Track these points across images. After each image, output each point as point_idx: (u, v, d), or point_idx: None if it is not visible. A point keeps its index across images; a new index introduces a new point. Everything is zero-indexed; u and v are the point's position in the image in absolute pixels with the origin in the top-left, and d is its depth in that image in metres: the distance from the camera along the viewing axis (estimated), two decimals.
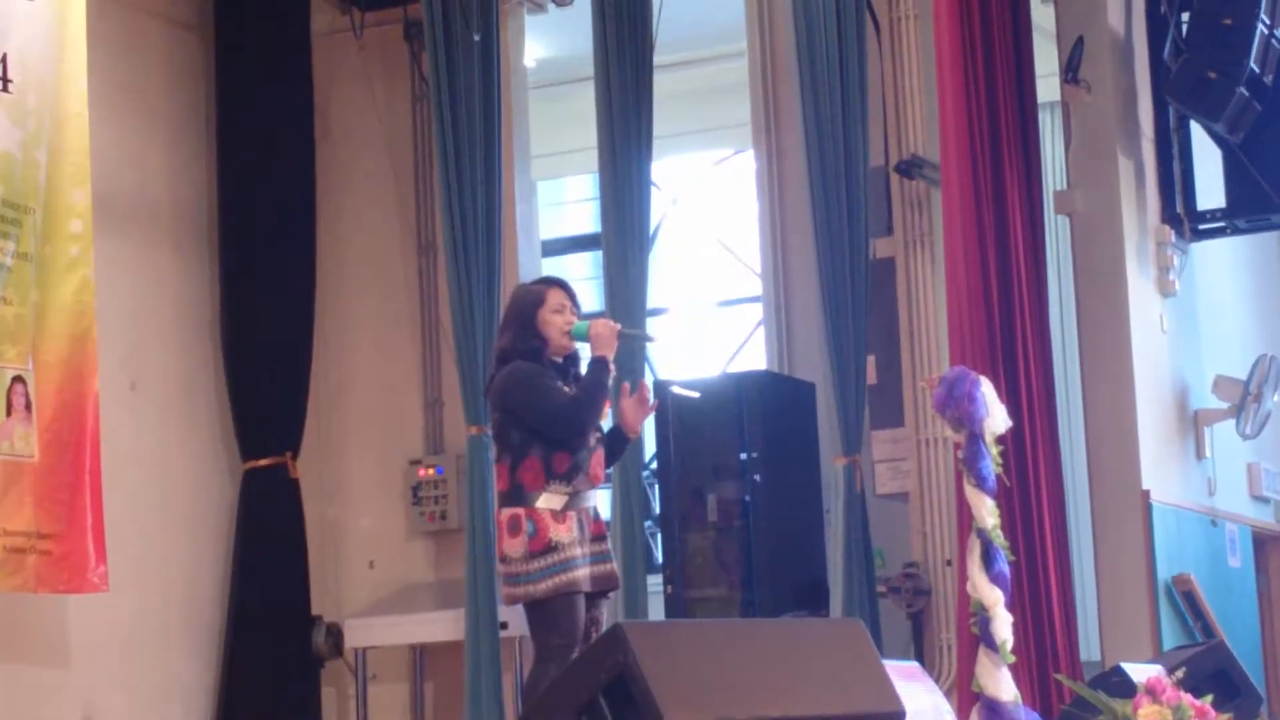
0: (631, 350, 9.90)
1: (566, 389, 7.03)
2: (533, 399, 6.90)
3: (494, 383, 7.06)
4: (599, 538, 7.01)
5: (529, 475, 6.89)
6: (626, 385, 7.27)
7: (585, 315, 7.28)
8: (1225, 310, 11.55)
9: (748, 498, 9.97)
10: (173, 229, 10.61)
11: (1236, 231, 10.83)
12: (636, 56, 10.45)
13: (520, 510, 6.87)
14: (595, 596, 7.01)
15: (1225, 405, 10.77)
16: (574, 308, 7.14)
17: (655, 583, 10.48)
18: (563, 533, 6.84)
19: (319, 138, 11.26)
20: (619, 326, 7.12)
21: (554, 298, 7.09)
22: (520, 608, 6.98)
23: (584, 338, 7.06)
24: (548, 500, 6.86)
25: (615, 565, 7.12)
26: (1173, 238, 10.41)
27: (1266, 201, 10.32)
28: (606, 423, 7.24)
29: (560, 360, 7.10)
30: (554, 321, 7.04)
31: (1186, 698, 5.82)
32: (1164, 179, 10.48)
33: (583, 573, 6.88)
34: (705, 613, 9.89)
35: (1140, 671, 6.31)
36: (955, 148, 9.10)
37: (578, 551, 6.88)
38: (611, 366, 6.99)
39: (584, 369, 7.15)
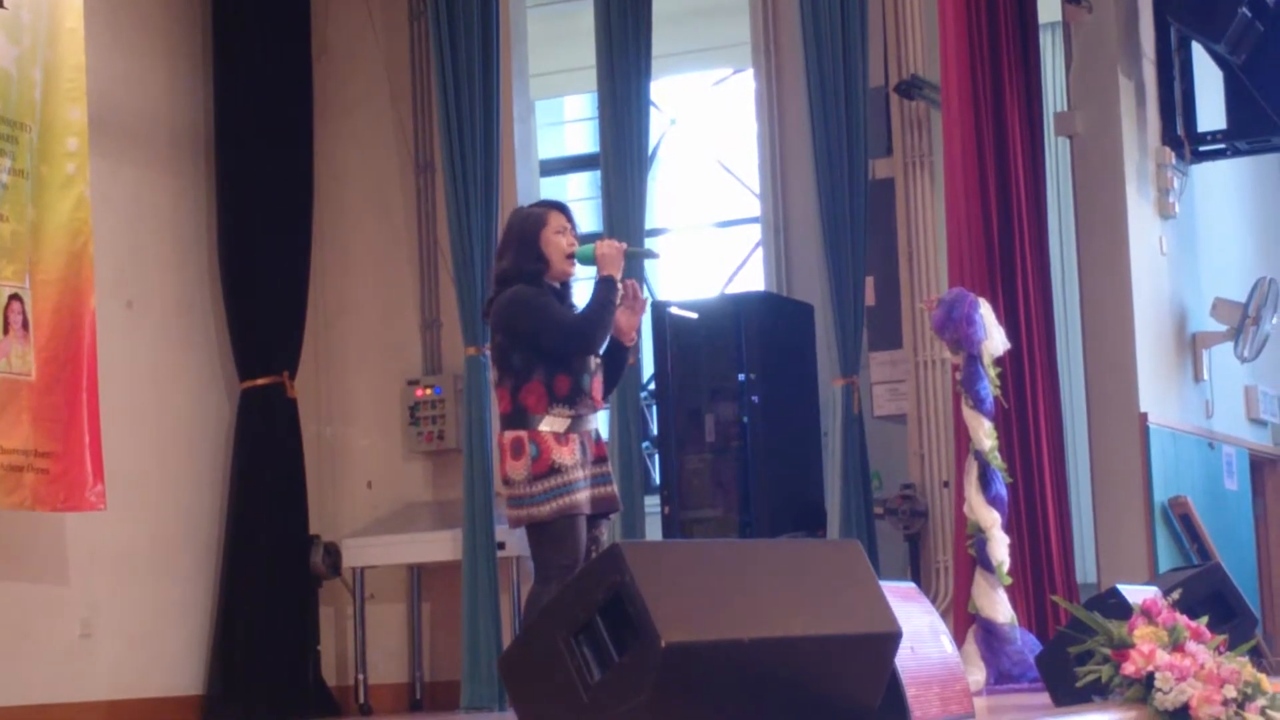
0: (631, 269, 9.91)
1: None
2: (538, 317, 6.87)
3: (494, 306, 7.03)
4: (600, 460, 7.00)
5: (531, 398, 6.87)
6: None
7: (584, 237, 7.25)
8: (1225, 233, 11.54)
9: (745, 419, 9.97)
10: (169, 147, 10.57)
11: (1237, 153, 10.81)
12: None
13: (523, 433, 6.86)
14: (596, 517, 7.02)
15: (1224, 328, 10.77)
16: (573, 231, 7.10)
17: (653, 503, 10.50)
18: (565, 455, 6.83)
19: (316, 56, 11.21)
20: (624, 245, 7.08)
21: (555, 220, 7.04)
22: (521, 528, 6.99)
23: (590, 260, 7.02)
24: (550, 423, 6.85)
25: (616, 487, 7.12)
26: (1173, 159, 10.38)
27: (1267, 123, 10.29)
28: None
29: (558, 286, 7.06)
30: (556, 243, 6.99)
31: (1182, 619, 5.84)
32: (1165, 100, 10.44)
33: (584, 495, 6.88)
34: (702, 533, 9.91)
35: (1136, 593, 6.32)
36: (955, 68, 9.06)
37: (580, 474, 6.87)
38: (619, 285, 6.96)
39: (576, 298, 7.12)
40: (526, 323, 6.89)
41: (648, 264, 11.69)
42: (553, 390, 6.87)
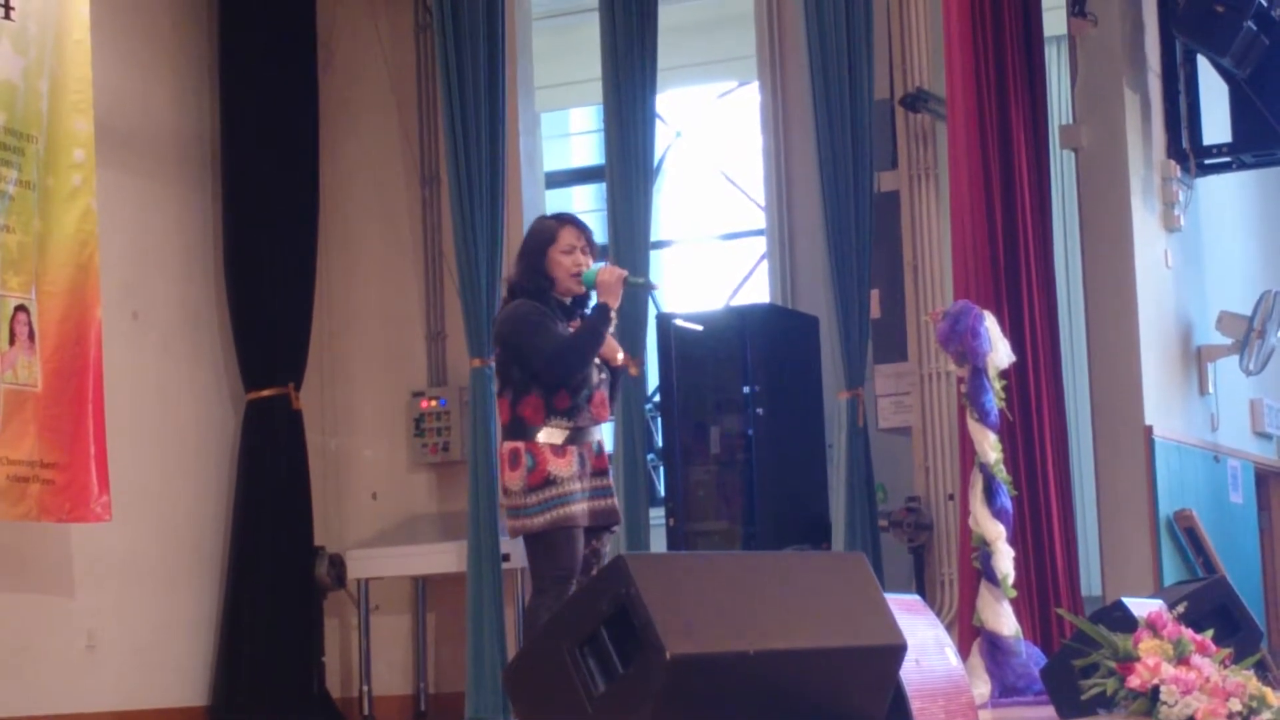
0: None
1: (573, 327, 7.00)
2: (527, 340, 6.87)
3: (498, 318, 7.05)
4: (600, 472, 6.99)
5: (529, 410, 6.88)
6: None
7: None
8: (1230, 246, 11.53)
9: (750, 431, 9.98)
10: (175, 159, 10.58)
11: (1242, 166, 10.79)
12: None
13: (521, 444, 6.87)
14: (596, 530, 7.00)
15: (1229, 341, 10.76)
16: (587, 246, 7.06)
17: (657, 516, 10.50)
18: (561, 467, 6.83)
19: (322, 68, 11.23)
20: (625, 273, 7.06)
21: (565, 238, 7.02)
22: (520, 539, 7.00)
23: (592, 284, 7.03)
24: (548, 434, 6.86)
25: (616, 500, 7.10)
26: (1178, 173, 10.37)
27: (1272, 136, 10.28)
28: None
29: (568, 301, 7.04)
30: (561, 263, 6.99)
31: (1187, 632, 5.83)
32: (1170, 113, 10.44)
33: (580, 507, 6.87)
34: (707, 546, 9.91)
35: (1141, 606, 6.31)
36: (961, 81, 9.06)
37: (576, 486, 6.86)
38: (613, 315, 6.94)
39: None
40: (516, 341, 6.91)
41: (654, 274, 11.70)
42: (551, 403, 6.88)
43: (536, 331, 6.88)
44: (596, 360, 6.99)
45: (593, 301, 7.12)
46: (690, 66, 13.09)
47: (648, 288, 7.61)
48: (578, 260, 7.00)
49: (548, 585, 6.82)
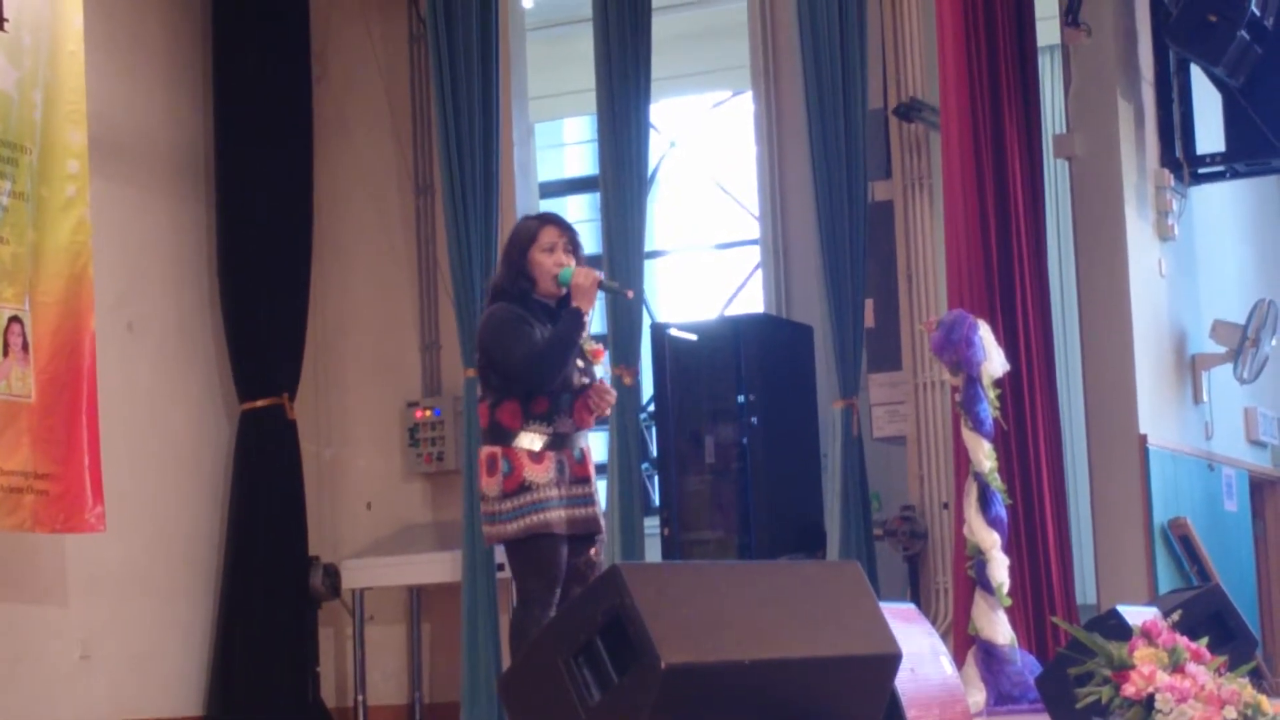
0: (633, 289, 9.98)
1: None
2: (500, 346, 6.76)
3: (478, 322, 6.97)
4: (581, 480, 6.83)
5: (507, 415, 6.76)
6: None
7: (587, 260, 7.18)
8: (1223, 255, 11.54)
9: (745, 440, 9.98)
10: (169, 170, 10.58)
11: (1236, 175, 10.82)
12: None
13: (498, 449, 6.75)
14: (581, 541, 6.88)
15: (1223, 350, 10.77)
16: (569, 245, 6.93)
17: (652, 525, 10.49)
18: (538, 473, 6.71)
19: (316, 78, 11.23)
20: (599, 276, 6.92)
21: (546, 236, 6.88)
22: (503, 550, 6.92)
23: (568, 284, 6.92)
24: (526, 440, 6.73)
25: (598, 510, 6.92)
26: (1172, 182, 10.39)
27: (1266, 145, 10.30)
28: (601, 370, 7.09)
29: (553, 303, 6.94)
30: (543, 263, 6.85)
31: (1182, 640, 5.83)
32: (1164, 123, 10.45)
33: (557, 514, 6.73)
34: (702, 555, 9.91)
35: (1136, 614, 6.32)
36: (954, 91, 9.07)
37: (553, 493, 6.73)
38: (586, 319, 6.83)
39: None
40: (491, 347, 6.82)
41: (648, 283, 11.70)
42: (529, 408, 6.77)
43: (511, 336, 6.75)
44: (580, 363, 6.90)
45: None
46: (684, 76, 13.10)
47: (623, 293, 7.50)
48: (559, 259, 6.85)
49: (532, 596, 6.71)
